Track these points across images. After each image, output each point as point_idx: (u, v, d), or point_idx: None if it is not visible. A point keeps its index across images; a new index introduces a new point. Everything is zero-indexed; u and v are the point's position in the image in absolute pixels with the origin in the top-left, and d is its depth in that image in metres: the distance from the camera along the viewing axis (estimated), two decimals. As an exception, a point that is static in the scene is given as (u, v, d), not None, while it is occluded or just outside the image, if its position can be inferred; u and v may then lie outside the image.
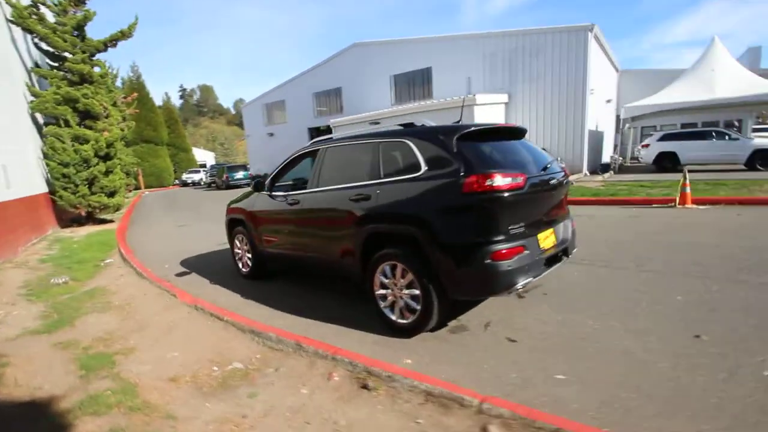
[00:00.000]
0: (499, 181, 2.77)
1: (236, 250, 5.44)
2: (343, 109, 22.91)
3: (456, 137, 3.01)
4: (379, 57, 20.79)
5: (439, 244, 2.89)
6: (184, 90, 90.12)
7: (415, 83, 19.96)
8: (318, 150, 4.15)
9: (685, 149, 14.58)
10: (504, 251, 2.78)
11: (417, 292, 3.07)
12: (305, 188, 4.20)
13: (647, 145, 15.83)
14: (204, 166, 39.39)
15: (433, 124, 3.40)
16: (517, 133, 3.55)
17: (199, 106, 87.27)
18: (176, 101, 77.15)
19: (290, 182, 4.98)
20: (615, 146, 19.88)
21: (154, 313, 4.13)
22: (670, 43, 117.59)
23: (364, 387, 2.46)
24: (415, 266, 3.04)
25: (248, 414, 2.33)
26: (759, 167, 12.74)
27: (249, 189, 5.45)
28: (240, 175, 23.92)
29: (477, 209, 2.79)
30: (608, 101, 20.40)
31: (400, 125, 3.60)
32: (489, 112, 15.97)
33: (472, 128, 3.08)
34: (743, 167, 13.10)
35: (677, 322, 3.11)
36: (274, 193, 4.65)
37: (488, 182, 2.75)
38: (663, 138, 15.41)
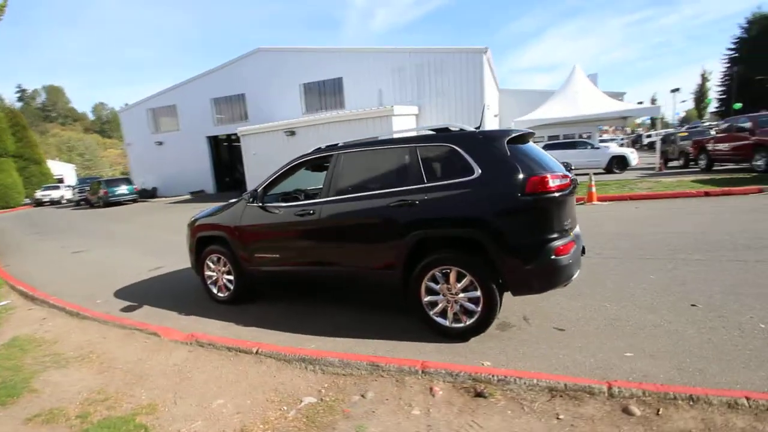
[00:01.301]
0: (556, 181, 3.00)
1: (209, 273, 4.72)
2: (248, 117, 21.54)
3: (506, 141, 3.16)
4: (287, 64, 20.16)
5: (505, 243, 2.98)
6: (23, 91, 73.74)
7: (326, 93, 19.86)
8: (331, 156, 3.89)
9: (560, 157, 17.35)
10: (563, 246, 3.00)
11: (477, 293, 3.10)
12: (315, 197, 3.89)
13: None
14: (62, 180, 32.80)
15: (470, 128, 3.48)
16: (530, 137, 3.86)
17: (45, 110, 72.44)
18: (13, 104, 62.58)
19: (283, 193, 4.56)
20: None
21: (138, 359, 3.33)
22: (524, 68, 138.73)
23: (479, 395, 2.40)
24: (476, 268, 3.08)
25: (374, 448, 2.07)
26: (615, 170, 15.90)
27: (225, 202, 4.80)
28: (123, 189, 20.61)
29: (538, 209, 2.97)
30: (495, 116, 23.18)
31: (434, 129, 3.60)
32: (404, 122, 16.74)
33: (515, 133, 3.26)
34: (602, 171, 16.15)
35: (668, 296, 3.73)
36: (269, 205, 4.19)
37: (549, 183, 2.95)
38: (543, 148, 18.12)
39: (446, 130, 3.53)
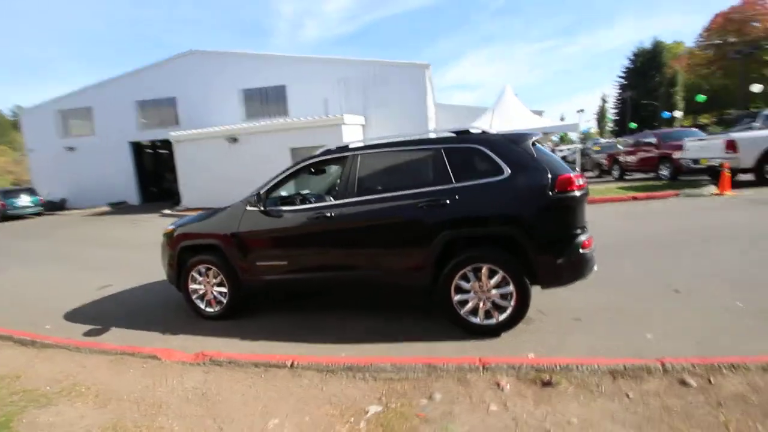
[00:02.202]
0: (579, 180, 3.23)
1: (194, 287, 4.25)
2: (178, 122, 19.92)
3: (531, 143, 3.34)
4: (226, 69, 19.13)
5: (538, 239, 3.13)
6: None
7: (268, 100, 19.18)
8: (346, 158, 3.77)
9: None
10: (587, 241, 3.24)
11: (509, 289, 3.20)
12: (318, 201, 3.76)
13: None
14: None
15: (493, 131, 3.61)
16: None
17: None
18: None
19: (281, 197, 4.30)
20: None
21: (144, 386, 2.87)
22: (447, 86, 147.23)
23: (547, 384, 2.46)
24: (509, 264, 3.18)
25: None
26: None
27: (213, 208, 4.39)
28: (26, 201, 17.79)
29: (566, 206, 3.17)
30: (431, 130, 24.21)
31: (455, 132, 3.67)
32: (353, 132, 16.75)
33: (536, 136, 3.46)
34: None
35: (652, 284, 4.17)
36: (276, 209, 3.93)
37: (575, 182, 3.18)
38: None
39: (467, 132, 3.62)
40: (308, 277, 3.83)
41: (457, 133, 3.66)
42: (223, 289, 4.13)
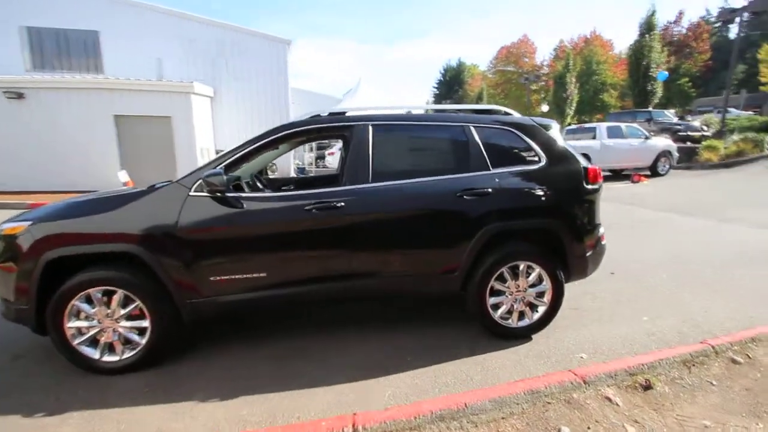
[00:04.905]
0: (602, 173, 3.24)
1: (77, 324, 2.56)
2: None
3: (557, 129, 3.17)
4: (-8, -10, 13.18)
5: (576, 232, 2.99)
6: None
7: (71, 48, 14.25)
8: (352, 128, 2.83)
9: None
10: (603, 233, 3.28)
11: (545, 286, 2.98)
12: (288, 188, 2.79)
13: (332, 153, 19.17)
14: None
15: (515, 113, 3.25)
16: None
17: None
18: None
19: (235, 177, 3.01)
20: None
21: None
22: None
23: (648, 387, 2.32)
24: (548, 259, 2.95)
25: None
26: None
27: (108, 192, 2.72)
28: None
29: (593, 198, 3.13)
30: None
31: (477, 111, 3.18)
32: (201, 103, 14.09)
33: (557, 125, 3.31)
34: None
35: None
36: (249, 195, 2.68)
37: (600, 173, 3.16)
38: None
39: (491, 111, 3.20)
40: (298, 291, 2.74)
41: (481, 112, 3.21)
42: (141, 323, 2.60)
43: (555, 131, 3.16)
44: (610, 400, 2.24)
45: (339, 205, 2.67)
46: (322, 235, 2.69)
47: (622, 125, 13.51)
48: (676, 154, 13.47)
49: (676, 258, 4.85)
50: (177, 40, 14.84)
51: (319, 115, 2.95)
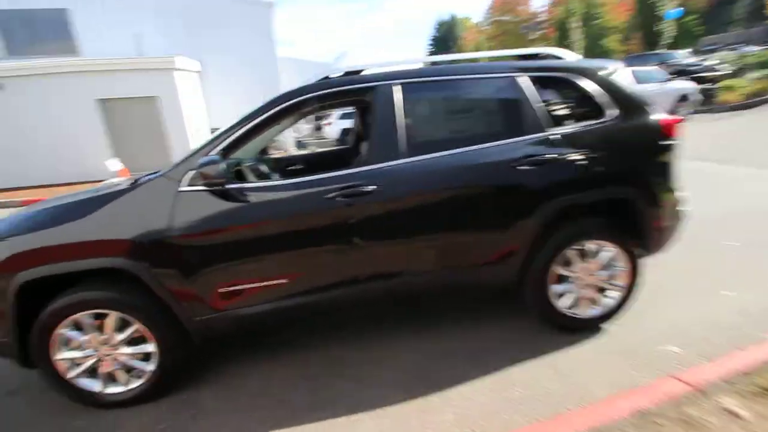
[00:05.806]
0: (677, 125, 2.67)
1: (69, 355, 2.12)
2: None
3: (623, 74, 2.58)
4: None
5: (654, 201, 2.47)
6: None
7: (41, 29, 13.19)
8: (373, 90, 2.26)
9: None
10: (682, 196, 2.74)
11: (621, 267, 2.50)
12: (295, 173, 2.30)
13: (330, 123, 18.33)
14: None
15: (569, 55, 2.64)
16: None
17: None
18: None
19: (235, 161, 2.46)
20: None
21: None
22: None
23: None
24: (622, 236, 2.46)
25: None
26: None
27: (82, 193, 2.20)
28: None
29: (671, 158, 2.57)
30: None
31: (521, 57, 2.58)
32: (188, 81, 13.21)
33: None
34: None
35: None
36: (257, 185, 2.17)
37: (676, 126, 2.60)
38: (341, 117, 18.33)
39: (539, 56, 2.60)
40: (324, 297, 2.27)
41: (525, 57, 2.61)
42: (145, 348, 2.15)
43: (621, 75, 2.57)
44: (735, 414, 1.80)
45: (369, 189, 2.15)
46: (350, 229, 2.19)
47: (638, 69, 12.59)
48: (699, 97, 12.63)
49: (732, 213, 4.34)
50: (153, 12, 13.75)
51: (328, 77, 2.37)
